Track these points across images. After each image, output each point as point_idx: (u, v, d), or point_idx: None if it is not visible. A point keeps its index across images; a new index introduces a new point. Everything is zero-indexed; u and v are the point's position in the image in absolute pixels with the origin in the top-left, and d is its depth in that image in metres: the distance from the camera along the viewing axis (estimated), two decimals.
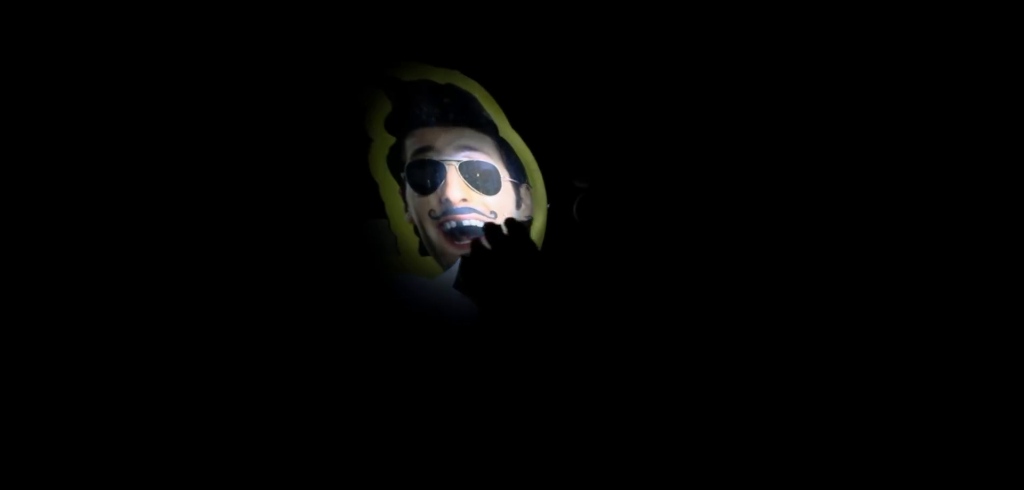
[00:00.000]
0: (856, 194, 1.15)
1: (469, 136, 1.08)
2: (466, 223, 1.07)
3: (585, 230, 1.09)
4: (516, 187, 1.10)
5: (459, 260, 1.08)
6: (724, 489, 1.05)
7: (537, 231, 1.10)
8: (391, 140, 1.10)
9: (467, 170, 1.07)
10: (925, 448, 1.07)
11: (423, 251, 1.11)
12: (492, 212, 1.08)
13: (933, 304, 1.12)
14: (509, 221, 1.05)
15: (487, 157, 1.08)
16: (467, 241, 1.07)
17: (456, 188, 1.07)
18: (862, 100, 1.16)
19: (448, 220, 1.07)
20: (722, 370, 1.08)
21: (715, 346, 1.08)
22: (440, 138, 1.08)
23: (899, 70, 1.16)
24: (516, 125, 1.10)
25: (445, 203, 1.07)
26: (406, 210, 1.11)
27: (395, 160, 1.11)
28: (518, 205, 1.11)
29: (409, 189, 1.10)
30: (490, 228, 1.04)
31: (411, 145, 1.09)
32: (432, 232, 1.08)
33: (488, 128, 1.09)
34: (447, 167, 1.07)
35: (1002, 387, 1.08)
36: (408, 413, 1.05)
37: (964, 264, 1.12)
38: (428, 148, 1.08)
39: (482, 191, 1.08)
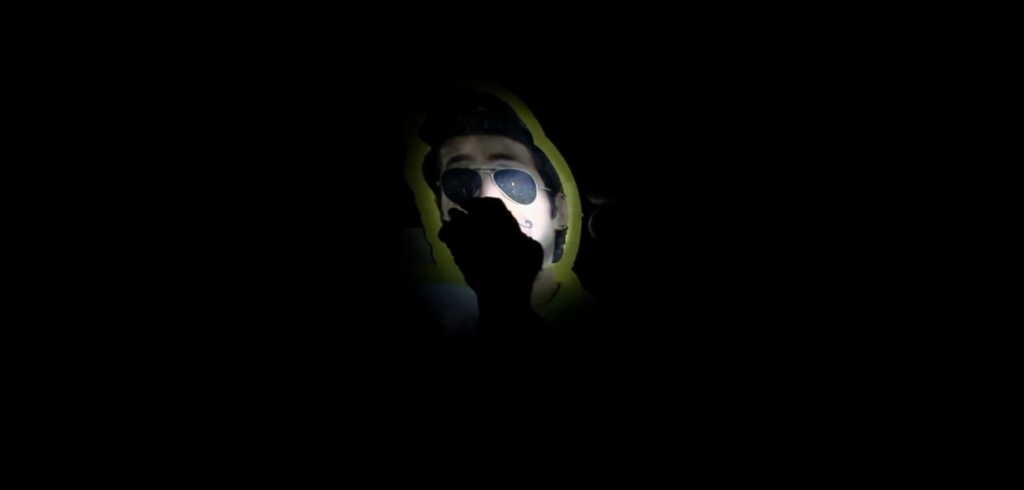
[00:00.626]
0: (868, 198, 1.16)
1: (504, 145, 1.08)
2: None
3: (602, 244, 1.09)
4: (551, 196, 1.10)
5: None
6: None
7: (570, 241, 1.10)
8: (426, 149, 1.09)
9: (502, 179, 1.07)
10: (925, 448, 1.08)
11: None
12: (527, 221, 1.07)
13: (933, 304, 1.12)
14: (491, 198, 1.03)
15: (522, 166, 1.08)
16: None
17: (491, 197, 1.07)
18: (879, 104, 1.17)
19: None
20: (727, 378, 1.08)
21: (722, 356, 1.09)
22: (475, 147, 1.08)
23: (899, 70, 1.17)
24: (551, 134, 1.10)
25: None
26: (442, 219, 1.11)
27: (430, 169, 1.10)
28: (553, 214, 1.11)
29: (445, 198, 1.09)
30: (471, 203, 1.01)
31: (446, 154, 1.09)
32: None
33: (523, 137, 1.09)
34: (483, 176, 1.07)
35: (1002, 387, 1.09)
36: (440, 421, 1.05)
37: (964, 264, 1.13)
38: (463, 157, 1.08)
39: (517, 200, 1.07)
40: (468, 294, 1.09)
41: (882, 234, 1.16)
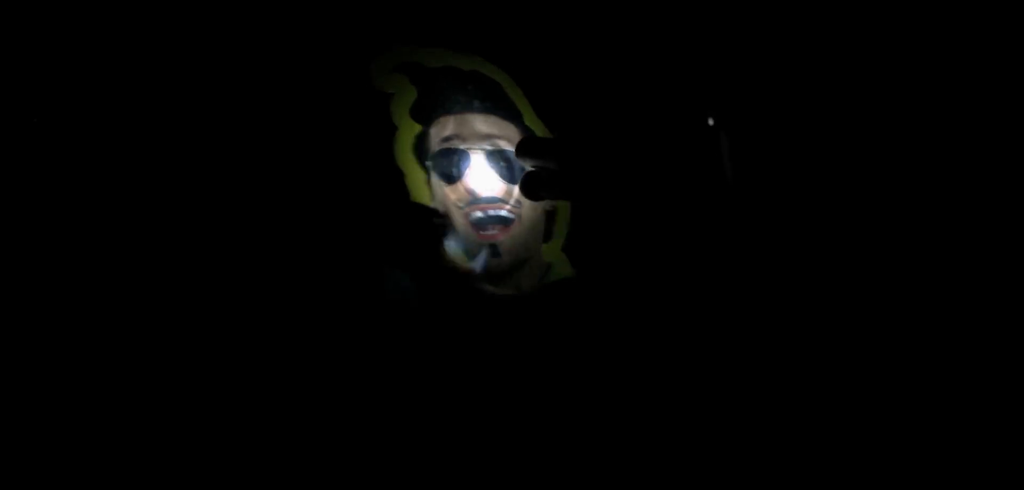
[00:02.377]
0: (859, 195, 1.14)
1: (494, 124, 1.08)
2: (491, 212, 1.07)
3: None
4: None
5: (486, 250, 1.07)
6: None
7: (559, 221, 1.10)
8: (417, 128, 1.09)
9: (493, 159, 1.07)
10: (925, 448, 1.08)
11: None
12: (517, 201, 1.08)
13: (933, 304, 1.11)
14: None
15: (512, 145, 1.07)
16: (494, 231, 1.06)
17: (481, 177, 1.07)
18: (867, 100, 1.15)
19: (474, 210, 1.07)
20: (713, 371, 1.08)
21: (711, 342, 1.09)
22: (465, 126, 1.07)
23: (899, 70, 1.15)
24: (541, 113, 1.09)
25: (470, 192, 1.07)
26: (432, 200, 1.11)
27: (421, 149, 1.10)
28: None
29: (435, 178, 1.09)
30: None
31: (436, 133, 1.09)
32: (458, 222, 1.07)
33: (513, 116, 1.08)
34: (472, 155, 1.07)
35: (1002, 387, 1.09)
36: (431, 408, 1.05)
37: (964, 264, 1.12)
38: (453, 136, 1.07)
39: (507, 180, 1.07)
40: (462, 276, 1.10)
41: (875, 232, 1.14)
